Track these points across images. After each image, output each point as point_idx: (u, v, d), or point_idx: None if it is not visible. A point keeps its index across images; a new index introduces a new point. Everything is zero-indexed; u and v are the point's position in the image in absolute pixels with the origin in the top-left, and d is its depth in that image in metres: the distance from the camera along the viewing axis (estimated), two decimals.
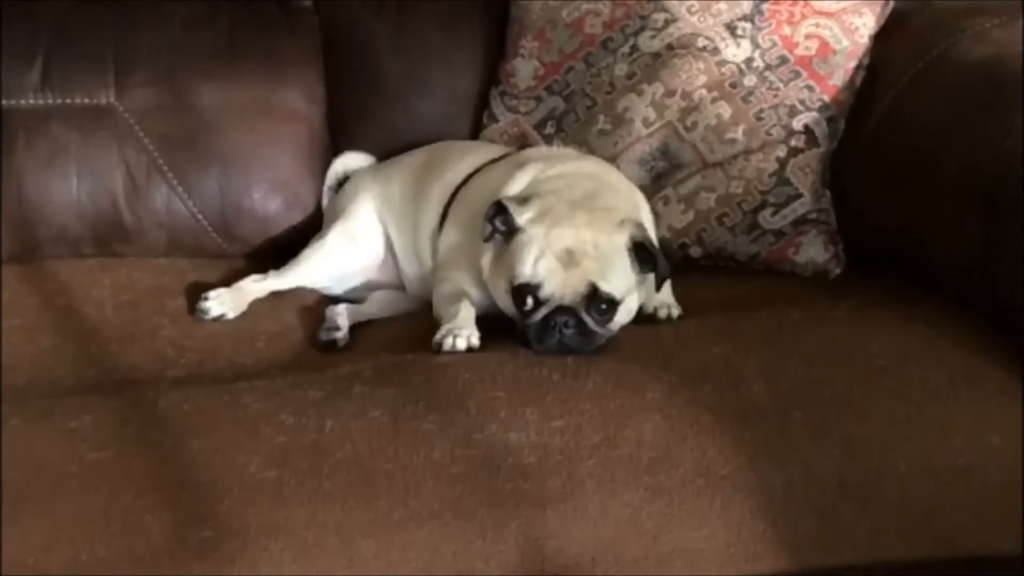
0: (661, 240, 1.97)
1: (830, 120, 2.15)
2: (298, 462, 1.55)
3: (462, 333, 1.79)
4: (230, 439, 1.59)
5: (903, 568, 1.63)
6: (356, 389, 1.67)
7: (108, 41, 2.20)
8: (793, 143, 2.13)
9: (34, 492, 1.52)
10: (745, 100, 2.15)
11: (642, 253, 1.82)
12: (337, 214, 2.18)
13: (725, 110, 2.15)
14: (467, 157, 2.12)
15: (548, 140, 2.24)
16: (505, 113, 2.29)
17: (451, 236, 2.02)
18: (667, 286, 1.91)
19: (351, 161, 2.29)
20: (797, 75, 2.16)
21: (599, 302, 1.77)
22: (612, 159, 2.14)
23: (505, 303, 1.84)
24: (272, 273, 2.10)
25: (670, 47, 2.19)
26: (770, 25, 2.17)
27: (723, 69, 2.17)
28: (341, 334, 1.96)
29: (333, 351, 1.93)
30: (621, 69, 2.21)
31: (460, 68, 2.33)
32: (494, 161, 2.09)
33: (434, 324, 1.86)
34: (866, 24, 2.17)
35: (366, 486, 1.54)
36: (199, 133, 2.20)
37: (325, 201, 2.26)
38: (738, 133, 2.14)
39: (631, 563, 1.55)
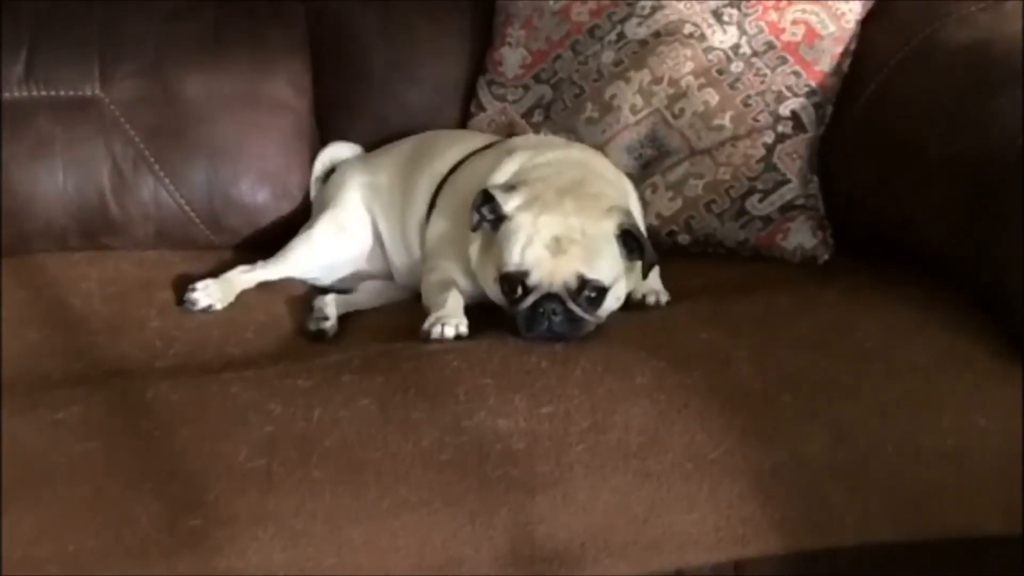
0: (647, 228, 1.97)
1: (817, 106, 2.15)
2: (286, 451, 1.55)
3: (450, 321, 1.79)
4: (218, 429, 1.59)
5: (892, 550, 1.64)
6: (344, 378, 1.67)
7: (93, 33, 2.19)
8: (780, 129, 2.13)
9: (22, 484, 1.51)
10: (732, 86, 2.15)
11: (630, 240, 1.82)
12: (325, 204, 2.17)
13: (712, 97, 2.15)
14: (454, 146, 2.11)
15: (536, 128, 2.23)
16: (493, 102, 2.28)
17: (439, 225, 2.02)
18: (655, 273, 1.91)
19: (338, 151, 2.28)
20: (784, 61, 2.16)
21: (587, 289, 1.77)
22: (600, 147, 2.14)
23: (493, 291, 1.84)
24: (260, 264, 2.10)
25: (657, 34, 2.19)
26: (756, 11, 2.17)
27: (710, 56, 2.17)
28: (330, 324, 1.95)
29: (322, 341, 1.93)
30: (608, 56, 2.21)
31: (448, 57, 2.32)
32: (481, 150, 2.09)
33: (423, 313, 1.86)
34: (852, 9, 2.17)
35: (355, 474, 1.54)
36: (186, 124, 2.19)
37: (313, 191, 2.26)
38: (725, 120, 2.14)
39: (620, 548, 1.56)
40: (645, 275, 1.87)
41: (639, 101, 2.17)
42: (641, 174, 2.15)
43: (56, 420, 1.60)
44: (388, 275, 2.14)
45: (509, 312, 1.79)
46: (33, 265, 2.11)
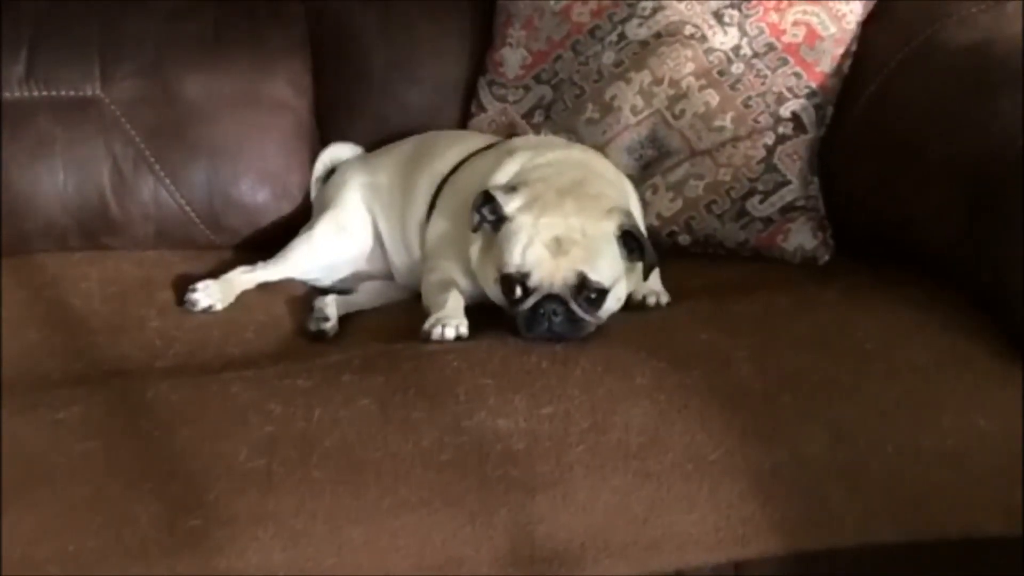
0: (647, 229, 1.97)
1: (818, 107, 2.15)
2: (286, 451, 1.55)
3: (451, 322, 1.79)
4: (218, 428, 1.59)
5: (891, 550, 1.64)
6: (344, 378, 1.67)
7: (93, 33, 2.20)
8: (781, 130, 2.13)
9: (22, 484, 1.51)
10: (733, 88, 2.15)
11: (630, 241, 1.82)
12: (325, 205, 2.17)
13: (713, 98, 2.15)
14: (455, 146, 2.11)
15: (536, 129, 2.23)
16: (493, 102, 2.28)
17: (439, 225, 2.02)
18: (655, 274, 1.91)
19: (339, 152, 2.28)
20: (784, 62, 2.16)
21: (588, 290, 1.77)
22: (600, 147, 2.14)
23: (494, 292, 1.84)
24: (260, 264, 2.10)
25: (658, 35, 2.19)
26: (757, 12, 2.17)
27: (711, 57, 2.17)
28: (330, 324, 1.95)
29: (322, 341, 1.93)
30: (609, 57, 2.21)
31: (448, 57, 2.32)
32: (482, 150, 2.09)
33: (423, 314, 1.86)
34: (853, 11, 2.17)
35: (355, 474, 1.54)
36: (186, 124, 2.19)
37: (313, 192, 2.26)
38: (726, 121, 2.14)
39: (620, 548, 1.56)
40: (646, 276, 1.87)
41: (640, 102, 2.17)
42: (641, 175, 2.15)
43: (56, 420, 1.60)
44: (388, 275, 2.14)
45: (509, 312, 1.79)
46: (33, 265, 2.11)
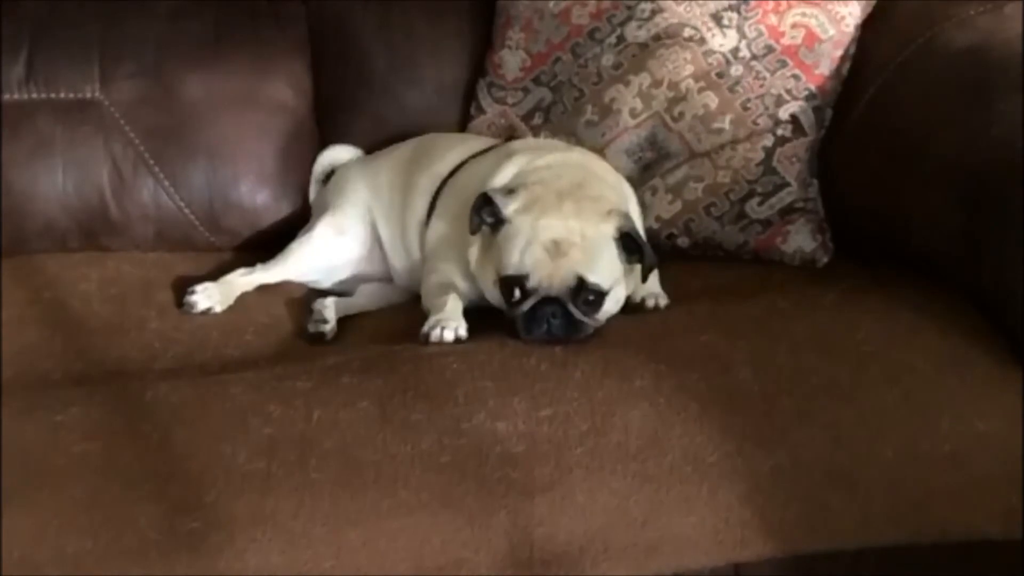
0: (646, 231, 1.97)
1: (816, 109, 2.15)
2: (286, 453, 1.55)
3: (450, 324, 1.79)
4: (217, 430, 1.59)
5: (890, 553, 1.64)
6: (344, 380, 1.67)
7: (93, 34, 2.20)
8: (780, 132, 2.14)
9: (21, 485, 1.51)
10: (732, 90, 2.16)
11: (629, 243, 1.82)
12: (325, 207, 2.17)
13: (712, 100, 2.15)
14: (454, 149, 2.12)
15: (536, 131, 2.24)
16: (492, 104, 2.28)
17: (439, 228, 2.02)
18: (654, 276, 1.91)
19: (338, 154, 2.28)
20: (783, 64, 2.16)
21: (586, 293, 1.77)
22: (600, 150, 2.14)
23: (493, 294, 1.84)
24: (260, 267, 2.10)
25: (657, 37, 2.19)
26: (756, 14, 2.17)
27: (710, 59, 2.17)
28: (329, 327, 1.95)
29: (321, 343, 1.93)
30: (608, 59, 2.21)
31: (447, 58, 2.32)
32: (481, 153, 2.09)
33: (422, 316, 1.86)
34: (852, 13, 2.17)
35: (354, 476, 1.54)
36: (185, 125, 2.19)
37: (312, 194, 2.26)
38: (725, 123, 2.14)
39: (619, 550, 1.56)
40: (644, 278, 1.88)
41: (639, 104, 2.17)
42: (641, 177, 2.16)
43: (55, 421, 1.60)
44: (387, 277, 2.14)
45: (508, 315, 1.79)
46: (33, 265, 2.11)
